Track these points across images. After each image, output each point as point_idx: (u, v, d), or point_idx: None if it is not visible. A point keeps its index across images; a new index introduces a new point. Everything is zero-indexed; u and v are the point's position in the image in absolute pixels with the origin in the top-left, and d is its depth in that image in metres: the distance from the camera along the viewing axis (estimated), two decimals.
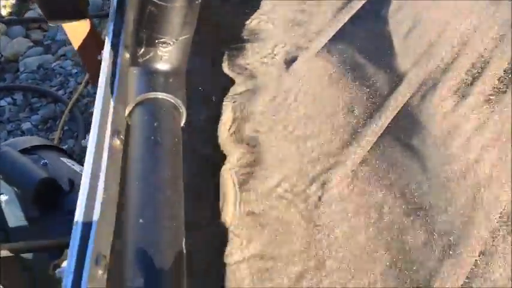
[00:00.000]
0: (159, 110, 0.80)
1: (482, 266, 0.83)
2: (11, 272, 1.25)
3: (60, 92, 3.00)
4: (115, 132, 0.84)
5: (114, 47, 0.95)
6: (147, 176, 0.72)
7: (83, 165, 1.58)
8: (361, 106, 1.04)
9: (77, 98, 2.92)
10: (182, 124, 0.85)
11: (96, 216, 0.76)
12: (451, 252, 0.84)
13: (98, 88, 0.86)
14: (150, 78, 0.82)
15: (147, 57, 0.83)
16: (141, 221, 0.68)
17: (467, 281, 0.81)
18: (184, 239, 0.69)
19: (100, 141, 0.84)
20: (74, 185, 1.46)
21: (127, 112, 0.82)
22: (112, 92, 0.87)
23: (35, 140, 1.59)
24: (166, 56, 0.84)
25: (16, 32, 3.28)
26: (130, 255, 0.66)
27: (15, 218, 1.44)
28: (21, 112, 2.94)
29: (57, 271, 0.88)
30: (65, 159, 1.57)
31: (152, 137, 0.77)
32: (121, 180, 0.83)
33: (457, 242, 0.85)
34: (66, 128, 2.85)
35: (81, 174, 0.82)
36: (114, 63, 0.90)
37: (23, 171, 1.41)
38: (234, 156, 0.97)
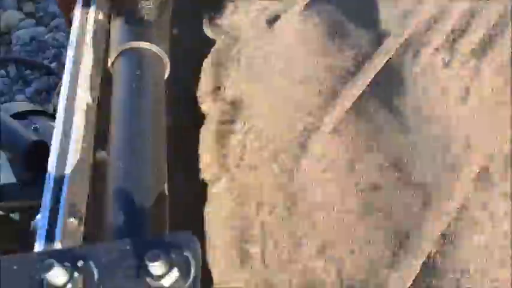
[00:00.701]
0: (142, 59, 0.82)
1: (463, 219, 0.86)
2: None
3: (54, 64, 3.01)
4: (88, 89, 0.86)
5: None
6: (130, 121, 0.75)
7: None
8: (343, 65, 1.05)
9: None
10: (166, 75, 0.87)
11: (69, 168, 0.79)
12: (431, 206, 0.86)
13: (70, 41, 0.88)
14: (133, 28, 0.84)
15: (131, 8, 0.85)
16: (121, 165, 0.70)
17: (448, 233, 0.84)
18: (166, 183, 0.72)
19: (72, 97, 0.86)
20: None
21: (110, 62, 0.83)
22: (89, 45, 0.88)
23: (25, 106, 1.61)
24: (150, 7, 0.85)
25: (8, 4, 3.26)
26: (111, 196, 0.69)
27: (8, 181, 1.47)
28: (14, 85, 2.95)
29: (32, 223, 0.91)
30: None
31: (134, 85, 0.79)
32: (96, 138, 0.86)
33: (438, 195, 0.87)
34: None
35: None
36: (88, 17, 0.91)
37: (14, 134, 1.44)
38: (214, 113, 0.99)
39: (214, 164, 0.93)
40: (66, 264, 0.57)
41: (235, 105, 1.00)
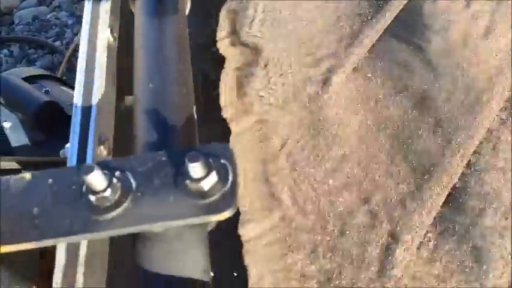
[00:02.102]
0: None
1: (485, 153, 0.86)
2: None
3: (57, 43, 3.00)
4: (108, 26, 0.86)
5: None
6: (156, 49, 0.75)
7: None
8: (364, 7, 1.05)
9: (74, 48, 2.92)
10: (187, 11, 0.87)
11: (94, 102, 0.79)
12: (453, 141, 0.86)
13: None
14: None
15: None
16: (150, 85, 0.70)
17: (470, 167, 0.84)
18: (194, 106, 0.72)
19: (94, 35, 0.86)
20: None
21: None
22: None
23: (36, 71, 1.61)
24: None
25: None
26: (141, 116, 0.69)
27: (20, 143, 1.47)
28: (18, 64, 2.94)
29: (61, 151, 0.91)
30: (65, 88, 1.59)
31: (157, 19, 0.79)
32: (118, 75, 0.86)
33: (459, 130, 0.87)
34: (64, 78, 2.85)
35: None
36: None
37: (26, 95, 1.44)
38: (233, 56, 0.99)
39: (235, 103, 0.93)
40: (105, 171, 0.57)
41: (254, 48, 1.00)
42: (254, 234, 0.80)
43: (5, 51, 2.99)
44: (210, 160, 0.57)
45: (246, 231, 0.79)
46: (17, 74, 1.54)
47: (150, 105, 0.69)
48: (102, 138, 0.75)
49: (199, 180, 0.56)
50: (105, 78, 0.83)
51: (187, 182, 0.56)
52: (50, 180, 0.62)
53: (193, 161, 0.55)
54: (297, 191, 0.83)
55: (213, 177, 0.56)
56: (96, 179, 0.55)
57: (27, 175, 0.63)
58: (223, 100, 0.93)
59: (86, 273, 0.62)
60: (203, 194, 0.56)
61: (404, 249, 0.74)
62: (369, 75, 0.95)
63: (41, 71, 1.64)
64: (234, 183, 0.57)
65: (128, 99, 0.87)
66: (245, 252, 0.78)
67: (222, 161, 0.58)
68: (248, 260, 0.77)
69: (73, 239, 0.57)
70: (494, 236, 0.76)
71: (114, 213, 0.57)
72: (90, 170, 0.55)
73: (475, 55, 0.95)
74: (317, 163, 0.84)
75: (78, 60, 0.87)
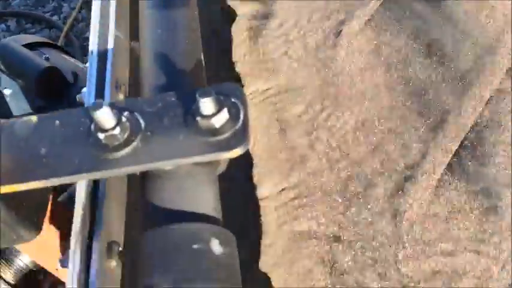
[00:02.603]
0: None
1: (497, 102, 0.85)
2: None
3: (54, 18, 2.97)
4: None
5: None
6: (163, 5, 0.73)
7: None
8: None
9: (72, 22, 2.89)
10: None
11: (110, 46, 0.77)
12: (466, 89, 0.85)
13: None
14: None
15: None
16: (159, 31, 0.69)
17: (483, 116, 0.83)
18: (202, 54, 0.71)
19: None
20: (77, 78, 1.47)
21: None
22: None
23: (36, 38, 1.59)
24: None
25: None
26: (149, 61, 0.68)
27: (21, 110, 1.45)
28: None
29: (77, 96, 0.90)
30: (66, 56, 1.57)
31: None
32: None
33: (473, 79, 0.86)
34: None
35: (84, 69, 0.82)
36: None
37: (26, 61, 1.42)
38: (245, 9, 0.97)
39: (249, 59, 0.91)
40: (114, 110, 0.56)
41: (265, 2, 0.98)
42: (269, 193, 0.79)
43: (2, 25, 2.96)
44: (221, 98, 0.56)
45: (262, 191, 0.78)
46: (17, 41, 1.52)
47: (158, 49, 0.68)
48: (118, 83, 0.74)
49: (210, 117, 0.55)
50: (117, 24, 0.81)
51: (198, 119, 0.55)
52: (57, 122, 0.61)
53: (204, 96, 0.54)
54: (313, 149, 0.82)
55: (224, 115, 0.55)
56: (105, 116, 0.55)
57: (34, 117, 0.63)
58: (236, 57, 0.91)
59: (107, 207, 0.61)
60: (214, 132, 0.55)
61: (418, 193, 0.73)
62: (382, 25, 0.93)
63: (41, 38, 1.61)
64: (246, 122, 0.56)
65: (134, 45, 0.86)
66: (262, 210, 0.77)
67: (233, 100, 0.57)
68: (263, 218, 0.77)
69: (82, 177, 0.56)
70: (506, 178, 0.75)
71: (123, 152, 0.56)
72: (99, 106, 0.54)
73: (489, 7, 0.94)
74: (334, 120, 0.82)
75: (92, 6, 0.85)
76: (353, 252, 0.71)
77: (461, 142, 0.81)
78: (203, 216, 0.54)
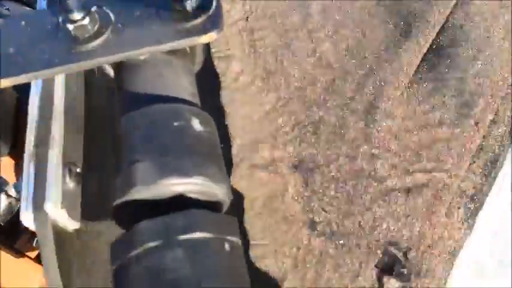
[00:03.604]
0: None
1: (464, 4, 0.85)
2: None
3: None
4: None
5: None
6: None
7: None
8: None
9: None
10: None
11: None
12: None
13: None
14: None
15: None
16: None
17: (451, 19, 0.83)
18: None
19: None
20: None
21: None
22: None
23: None
24: None
25: None
26: None
27: None
28: None
29: None
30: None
31: None
32: None
33: None
34: None
35: None
36: None
37: None
38: None
39: None
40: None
41: None
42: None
43: None
44: None
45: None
46: None
47: None
48: None
49: (181, 0, 0.54)
50: None
51: (170, 3, 0.54)
52: (23, 23, 0.59)
53: None
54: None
55: None
56: (74, 5, 0.53)
57: None
58: None
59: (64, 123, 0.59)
60: (187, 17, 0.54)
61: (391, 97, 0.74)
62: None
63: None
64: (219, 6, 0.55)
65: None
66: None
67: None
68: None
69: (54, 71, 0.55)
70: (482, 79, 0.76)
71: (94, 44, 0.54)
72: None
73: None
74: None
75: None
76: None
77: (431, 43, 0.82)
78: (182, 100, 0.54)
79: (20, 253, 1.20)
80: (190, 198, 0.47)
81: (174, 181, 0.46)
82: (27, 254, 1.18)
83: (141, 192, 0.46)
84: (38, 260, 1.18)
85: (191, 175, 0.46)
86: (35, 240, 1.19)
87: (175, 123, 0.49)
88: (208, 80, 0.77)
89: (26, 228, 1.28)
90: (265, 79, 0.76)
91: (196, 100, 0.56)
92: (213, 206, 0.48)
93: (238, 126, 0.74)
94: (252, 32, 0.81)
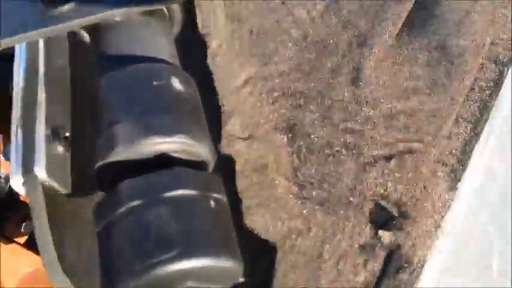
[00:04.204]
0: None
1: None
2: None
3: None
4: None
5: None
6: None
7: None
8: None
9: None
10: None
11: None
12: None
13: None
14: None
15: None
16: None
17: None
18: None
19: None
20: None
21: None
22: None
23: None
24: None
25: None
26: None
27: None
28: None
29: None
30: None
31: None
32: None
33: None
34: None
35: None
36: None
37: None
38: None
39: None
40: None
41: None
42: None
43: None
44: None
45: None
46: None
47: None
48: None
49: None
50: None
51: None
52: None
53: None
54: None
55: None
56: None
57: None
58: None
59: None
60: None
61: (374, 51, 0.73)
62: None
63: None
64: None
65: None
66: None
67: None
68: None
69: (28, 36, 0.53)
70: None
71: (65, 7, 0.53)
72: None
73: None
74: None
75: None
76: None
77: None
78: (161, 60, 0.52)
79: (9, 239, 1.19)
80: (173, 157, 0.46)
81: (155, 140, 0.45)
82: (16, 240, 1.17)
83: (123, 153, 0.44)
84: (27, 245, 1.16)
85: (173, 134, 0.45)
86: (23, 226, 1.18)
87: (155, 83, 0.48)
88: (193, 49, 0.76)
89: (14, 213, 1.26)
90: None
91: (175, 61, 0.55)
92: (197, 165, 0.47)
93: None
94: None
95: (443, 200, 0.61)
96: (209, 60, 0.78)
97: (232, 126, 0.71)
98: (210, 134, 0.52)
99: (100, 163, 0.45)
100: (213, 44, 0.76)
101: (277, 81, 0.74)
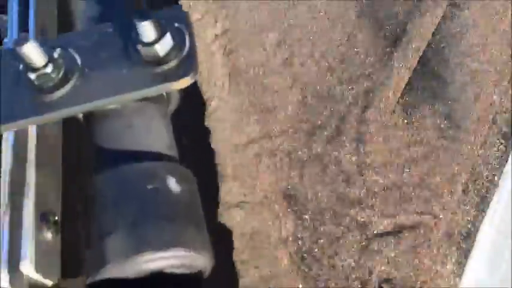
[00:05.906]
0: None
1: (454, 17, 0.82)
2: None
3: None
4: None
5: None
6: None
7: None
8: None
9: None
10: None
11: None
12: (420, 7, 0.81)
13: None
14: None
15: None
16: None
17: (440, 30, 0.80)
18: None
19: None
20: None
21: None
22: None
23: None
24: None
25: None
26: None
27: None
28: None
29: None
30: None
31: None
32: None
33: None
34: None
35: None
36: None
37: None
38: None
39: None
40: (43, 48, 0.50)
41: None
42: None
43: None
44: (163, 22, 0.50)
45: None
46: None
47: None
48: (44, 30, 0.66)
49: (152, 44, 0.49)
50: None
51: (139, 47, 0.49)
52: None
53: (142, 19, 0.48)
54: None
55: (168, 40, 0.50)
56: (33, 52, 0.48)
57: None
58: None
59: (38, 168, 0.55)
60: (159, 61, 0.50)
61: (379, 113, 0.71)
62: None
63: None
64: (192, 48, 0.51)
65: None
66: None
67: (177, 25, 0.52)
68: None
69: (18, 124, 0.50)
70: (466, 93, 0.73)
71: (60, 93, 0.50)
72: (24, 40, 0.47)
73: None
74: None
75: None
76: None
77: (420, 58, 0.78)
78: (157, 155, 0.50)
79: None
80: (170, 275, 0.43)
81: (149, 256, 0.42)
82: None
83: (114, 270, 0.42)
84: None
85: (169, 247, 0.43)
86: None
87: (150, 186, 0.45)
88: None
89: None
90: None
91: (173, 152, 0.52)
92: (193, 276, 0.45)
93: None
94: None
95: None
96: (208, 115, 0.75)
97: (229, 191, 0.69)
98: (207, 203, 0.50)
99: (90, 279, 0.43)
100: (212, 103, 0.73)
101: (277, 142, 0.72)
